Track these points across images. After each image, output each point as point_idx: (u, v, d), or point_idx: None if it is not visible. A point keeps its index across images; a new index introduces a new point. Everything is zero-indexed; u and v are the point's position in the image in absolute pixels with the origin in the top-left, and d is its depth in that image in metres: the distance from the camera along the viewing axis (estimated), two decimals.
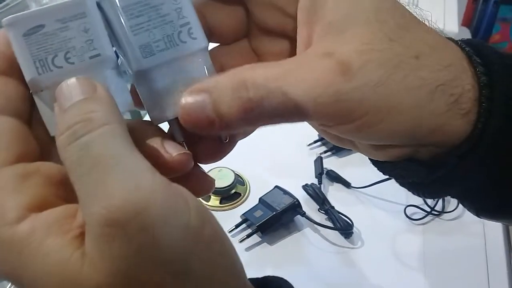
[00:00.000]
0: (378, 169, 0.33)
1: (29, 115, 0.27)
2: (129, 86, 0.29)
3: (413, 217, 0.76)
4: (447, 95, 0.27)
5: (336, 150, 0.87)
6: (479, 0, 1.79)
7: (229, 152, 0.30)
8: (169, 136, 0.29)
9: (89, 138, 0.22)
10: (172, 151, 0.27)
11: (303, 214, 0.74)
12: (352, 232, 0.73)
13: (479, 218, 0.33)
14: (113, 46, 0.27)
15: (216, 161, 0.30)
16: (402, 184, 0.33)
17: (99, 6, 0.27)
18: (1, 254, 0.22)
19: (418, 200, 0.77)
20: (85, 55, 0.26)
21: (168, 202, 0.22)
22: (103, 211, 0.21)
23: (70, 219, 0.23)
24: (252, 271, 0.26)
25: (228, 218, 0.75)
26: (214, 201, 0.79)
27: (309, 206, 0.77)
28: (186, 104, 0.26)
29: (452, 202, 0.77)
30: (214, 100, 0.25)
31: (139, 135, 0.27)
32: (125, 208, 0.21)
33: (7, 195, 0.23)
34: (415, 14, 0.29)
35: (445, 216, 0.76)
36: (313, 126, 0.32)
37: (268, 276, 0.30)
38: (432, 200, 0.76)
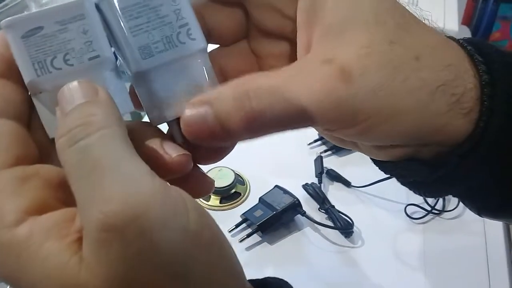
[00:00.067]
0: (379, 168, 0.33)
1: (28, 117, 0.27)
2: (127, 87, 0.29)
3: (414, 216, 0.76)
4: (449, 95, 0.26)
5: (336, 149, 0.87)
6: None
7: (228, 153, 0.30)
8: (168, 137, 0.29)
9: (88, 141, 0.22)
10: (171, 152, 0.27)
11: (303, 214, 0.74)
12: (353, 231, 0.73)
13: (479, 217, 0.33)
14: (111, 47, 0.27)
15: (216, 162, 0.30)
16: (403, 183, 0.33)
17: (97, 7, 0.27)
18: (0, 257, 0.22)
19: (418, 199, 0.77)
20: (84, 56, 0.26)
21: (167, 205, 0.22)
22: (100, 215, 0.21)
23: (68, 223, 0.23)
24: (252, 271, 0.26)
25: (228, 218, 0.75)
26: (214, 200, 0.79)
27: (309, 205, 0.77)
28: (188, 116, 0.26)
29: (452, 201, 0.77)
30: (216, 111, 0.25)
31: (138, 136, 0.27)
32: (123, 212, 0.21)
33: (6, 197, 0.23)
34: (415, 13, 0.29)
35: (445, 215, 0.76)
36: (315, 129, 0.32)
37: (268, 277, 0.30)
38: (433, 199, 0.76)
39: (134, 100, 0.29)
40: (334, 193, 0.80)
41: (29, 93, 0.26)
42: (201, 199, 0.77)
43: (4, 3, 1.00)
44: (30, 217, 0.23)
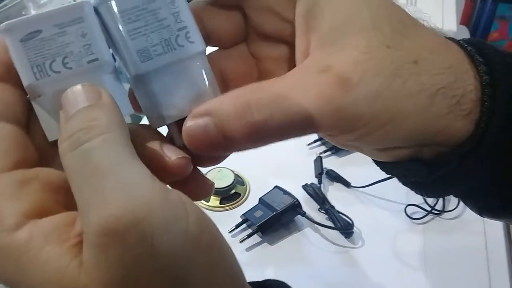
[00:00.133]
0: (381, 169, 0.33)
1: (27, 121, 0.27)
2: (127, 88, 0.29)
3: (414, 217, 0.76)
4: (449, 97, 0.27)
5: (335, 150, 0.87)
6: None
7: (228, 156, 0.30)
8: (168, 140, 0.29)
9: (90, 146, 0.22)
10: (171, 155, 0.27)
11: (303, 214, 0.74)
12: (353, 232, 0.73)
13: (479, 217, 0.33)
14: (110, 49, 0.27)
15: (215, 164, 0.30)
16: (404, 183, 0.33)
17: (96, 11, 0.27)
18: (0, 260, 0.22)
19: (418, 199, 0.77)
20: (83, 60, 0.26)
21: (168, 209, 0.22)
22: (100, 220, 0.21)
23: (68, 227, 0.23)
24: (253, 271, 0.26)
25: (228, 219, 0.75)
26: (214, 201, 0.79)
27: (309, 206, 0.77)
28: (190, 127, 0.26)
29: (452, 201, 0.77)
30: (217, 122, 0.26)
31: (137, 139, 0.27)
32: (124, 217, 0.21)
33: (5, 201, 0.23)
34: (413, 15, 0.29)
35: (445, 215, 0.76)
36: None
37: (268, 279, 0.30)
38: (433, 199, 0.76)
39: (133, 103, 0.29)
40: (334, 194, 0.80)
41: (27, 97, 0.26)
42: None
43: (2, 3, 1.00)
44: (30, 220, 0.23)
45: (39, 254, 0.22)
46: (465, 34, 1.33)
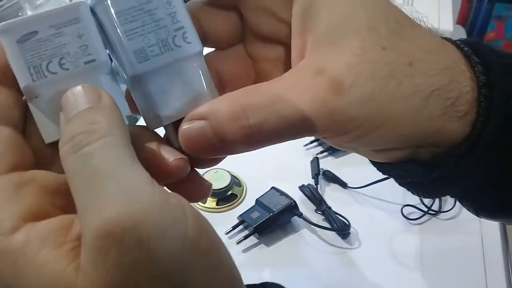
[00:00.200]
0: (378, 169, 0.33)
1: (23, 123, 0.27)
2: (123, 88, 0.29)
3: (410, 217, 0.76)
4: (443, 99, 0.27)
5: (332, 151, 0.86)
6: None
7: (225, 157, 0.30)
8: (165, 141, 0.29)
9: (90, 149, 0.22)
10: (168, 156, 0.27)
11: (300, 215, 0.74)
12: (349, 233, 0.73)
13: (476, 217, 0.33)
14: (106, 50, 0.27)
15: (213, 166, 0.30)
16: (401, 184, 0.33)
17: (92, 11, 0.27)
18: None
19: (415, 200, 0.77)
20: (79, 60, 0.26)
21: (166, 213, 0.22)
22: (99, 223, 0.21)
23: (65, 230, 0.23)
24: (250, 273, 0.26)
25: (225, 220, 0.75)
26: (210, 202, 0.79)
27: (306, 207, 0.77)
28: (185, 130, 0.26)
29: (448, 202, 0.77)
30: (213, 125, 0.26)
31: (134, 140, 0.27)
32: (122, 220, 0.21)
33: (2, 204, 0.23)
34: (410, 15, 0.29)
35: (442, 215, 0.76)
36: None
37: (266, 282, 0.30)
38: (429, 200, 0.76)
39: (130, 104, 0.29)
40: (331, 194, 0.80)
41: (23, 98, 0.26)
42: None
43: None
44: (26, 223, 0.22)
45: (36, 257, 0.22)
46: (461, 34, 1.34)
